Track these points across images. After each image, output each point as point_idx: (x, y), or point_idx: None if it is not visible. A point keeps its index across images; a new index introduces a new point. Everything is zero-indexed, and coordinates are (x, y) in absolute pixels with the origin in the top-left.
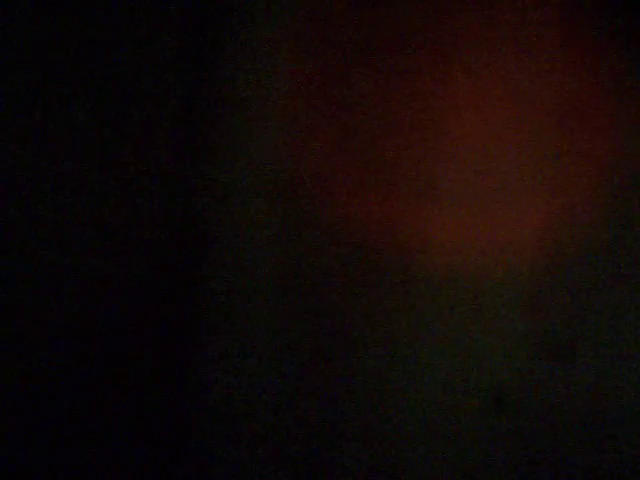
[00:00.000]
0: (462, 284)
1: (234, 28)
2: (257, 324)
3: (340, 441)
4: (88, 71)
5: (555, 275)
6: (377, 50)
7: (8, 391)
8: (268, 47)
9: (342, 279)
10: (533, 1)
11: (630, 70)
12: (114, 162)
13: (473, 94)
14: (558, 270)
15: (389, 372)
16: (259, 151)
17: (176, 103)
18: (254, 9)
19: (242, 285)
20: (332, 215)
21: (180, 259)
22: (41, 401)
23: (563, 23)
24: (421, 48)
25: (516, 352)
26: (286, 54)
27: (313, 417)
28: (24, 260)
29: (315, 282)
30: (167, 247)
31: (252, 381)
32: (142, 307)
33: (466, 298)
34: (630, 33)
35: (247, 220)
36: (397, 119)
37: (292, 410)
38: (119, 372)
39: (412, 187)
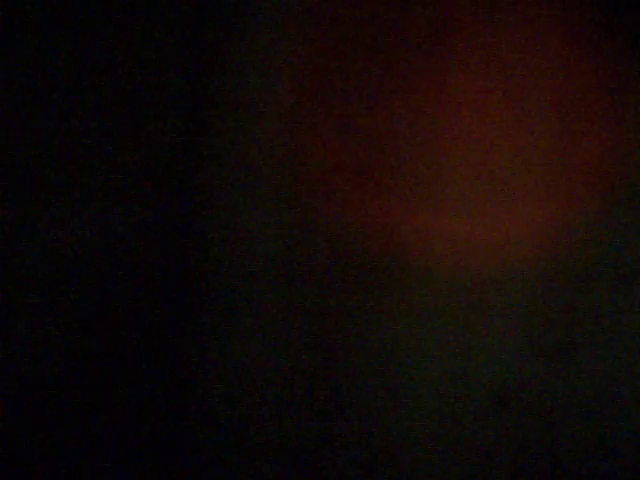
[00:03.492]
0: (463, 285)
1: (234, 29)
2: (257, 324)
3: (342, 441)
4: (89, 72)
5: (555, 276)
6: (378, 51)
7: (9, 391)
8: (268, 47)
9: (342, 280)
10: (534, 2)
11: (630, 70)
12: (115, 162)
13: (474, 95)
14: (558, 271)
15: (390, 373)
16: (259, 152)
17: (176, 104)
18: (254, 9)
19: (242, 285)
20: (332, 216)
21: (180, 260)
22: (43, 400)
23: (563, 24)
24: (422, 50)
25: (517, 352)
26: (286, 53)
27: (314, 417)
28: (26, 259)
29: (315, 283)
30: (168, 247)
31: (252, 381)
32: (143, 307)
33: (467, 299)
34: (630, 33)
35: (247, 220)
36: (398, 121)
37: (293, 411)
38: (120, 373)
39: (412, 189)
